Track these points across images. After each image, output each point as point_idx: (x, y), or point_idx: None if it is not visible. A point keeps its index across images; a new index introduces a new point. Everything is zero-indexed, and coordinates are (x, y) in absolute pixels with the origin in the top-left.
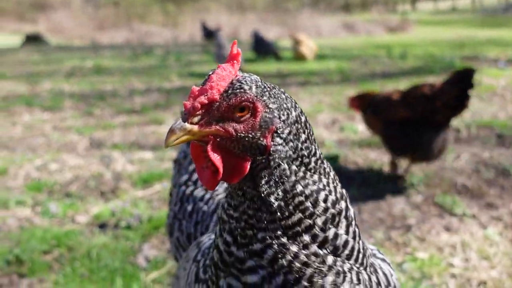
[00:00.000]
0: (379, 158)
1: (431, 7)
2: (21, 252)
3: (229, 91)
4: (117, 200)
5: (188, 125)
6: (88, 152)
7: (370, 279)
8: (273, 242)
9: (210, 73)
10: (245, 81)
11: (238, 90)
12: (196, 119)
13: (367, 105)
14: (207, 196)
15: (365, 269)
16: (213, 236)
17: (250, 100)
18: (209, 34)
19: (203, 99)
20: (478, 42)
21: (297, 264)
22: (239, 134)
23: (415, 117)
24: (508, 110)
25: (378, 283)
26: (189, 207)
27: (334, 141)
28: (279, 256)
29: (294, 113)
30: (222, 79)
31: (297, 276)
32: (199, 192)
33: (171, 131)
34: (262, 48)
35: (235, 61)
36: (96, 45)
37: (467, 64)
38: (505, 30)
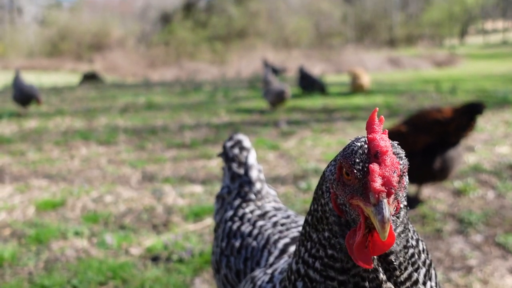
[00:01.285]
0: (433, 195)
1: (480, 40)
2: (78, 283)
3: (401, 162)
4: (169, 233)
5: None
6: (140, 185)
7: None
8: None
9: (365, 144)
10: (400, 147)
11: (405, 160)
12: (391, 200)
13: None
14: (256, 231)
15: None
16: (269, 271)
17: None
18: (275, 71)
19: (396, 177)
20: None
21: None
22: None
23: (434, 140)
24: None
25: None
26: (237, 243)
27: None
28: None
29: None
30: (392, 151)
31: None
32: (246, 227)
33: (387, 222)
34: (308, 83)
35: (384, 130)
36: (147, 82)
37: None
38: None
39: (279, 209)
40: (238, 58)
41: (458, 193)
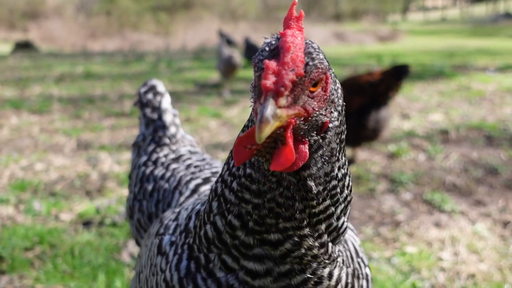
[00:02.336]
0: (368, 158)
1: (421, 17)
2: (1, 249)
3: (310, 64)
4: (103, 199)
5: (278, 110)
6: (74, 153)
7: (346, 254)
8: (295, 233)
9: (274, 41)
10: (318, 49)
11: (318, 62)
12: (284, 101)
13: None
14: (168, 174)
15: (340, 243)
16: (177, 210)
17: (325, 71)
18: (229, 42)
19: (291, 76)
20: (467, 51)
21: (308, 258)
22: (315, 113)
23: (367, 101)
24: (496, 113)
25: (351, 256)
26: (150, 187)
27: None
28: (295, 248)
29: (338, 83)
30: (299, 49)
31: (303, 267)
32: (159, 171)
33: (265, 121)
34: (253, 54)
35: (301, 26)
36: (87, 52)
37: (457, 72)
38: (493, 40)
39: (195, 153)
40: (183, 29)
41: (392, 156)
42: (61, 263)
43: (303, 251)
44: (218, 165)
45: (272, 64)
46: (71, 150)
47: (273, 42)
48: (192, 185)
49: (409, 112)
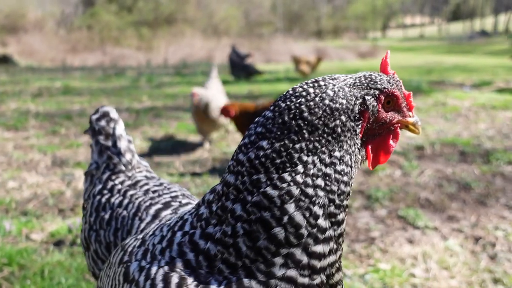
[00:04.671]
0: None
1: (400, 34)
2: None
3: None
4: (76, 217)
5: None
6: (49, 171)
7: None
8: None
9: (397, 79)
10: None
11: None
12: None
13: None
14: (126, 201)
15: None
16: (140, 236)
17: None
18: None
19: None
20: (445, 68)
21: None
22: None
23: None
24: (471, 129)
25: None
26: (106, 216)
27: None
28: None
29: None
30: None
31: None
32: (116, 198)
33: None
34: (239, 70)
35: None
36: (66, 67)
37: (433, 88)
38: (470, 57)
39: (152, 178)
40: (165, 44)
41: (369, 172)
42: (30, 284)
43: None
44: (177, 189)
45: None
46: (45, 167)
47: (396, 79)
48: (152, 210)
49: None
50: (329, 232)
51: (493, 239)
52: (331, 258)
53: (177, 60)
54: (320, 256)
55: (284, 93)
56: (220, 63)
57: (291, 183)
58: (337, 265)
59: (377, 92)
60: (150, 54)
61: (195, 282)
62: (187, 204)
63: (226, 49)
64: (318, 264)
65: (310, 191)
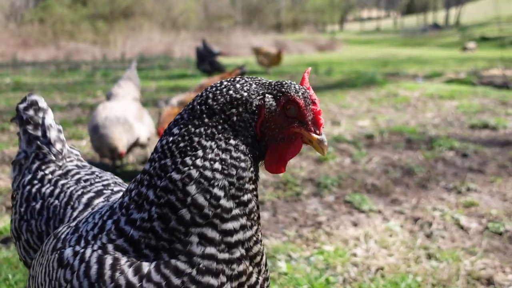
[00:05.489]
0: (297, 163)
1: (357, 27)
2: None
3: None
4: None
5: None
6: None
7: None
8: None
9: (309, 93)
10: None
11: None
12: None
13: None
14: (57, 190)
15: None
16: (73, 224)
17: None
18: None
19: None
20: (399, 60)
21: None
22: None
23: None
24: (418, 118)
25: None
26: (38, 205)
27: None
28: (256, 207)
29: None
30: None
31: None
32: (47, 188)
33: (326, 144)
34: (205, 64)
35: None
36: (17, 62)
37: (387, 80)
38: (423, 49)
39: (83, 167)
40: (123, 38)
41: (319, 161)
42: None
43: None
44: (108, 178)
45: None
46: None
47: (307, 92)
48: (84, 199)
49: (340, 118)
50: (236, 211)
51: (430, 219)
52: (248, 233)
53: (134, 54)
54: (232, 233)
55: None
56: (180, 56)
57: (191, 167)
58: (254, 238)
59: (279, 94)
60: (107, 49)
61: (128, 263)
62: (119, 191)
63: (186, 43)
64: (232, 239)
65: (208, 174)
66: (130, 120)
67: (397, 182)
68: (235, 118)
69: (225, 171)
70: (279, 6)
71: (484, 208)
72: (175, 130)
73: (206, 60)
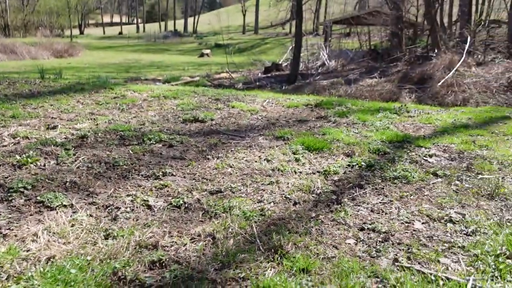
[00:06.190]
0: None
1: (100, 32)
2: None
3: None
4: None
5: None
6: None
7: None
8: None
9: None
10: None
11: None
12: None
13: None
14: None
15: None
16: None
17: None
18: None
19: None
20: (142, 65)
21: None
22: None
23: None
24: (140, 116)
25: None
26: None
27: None
28: None
29: None
30: None
31: None
32: None
33: None
34: None
35: None
36: None
37: (123, 84)
38: (165, 55)
39: None
40: None
41: (19, 166)
42: None
43: None
44: None
45: None
46: None
47: None
48: None
49: (58, 123)
50: None
51: (120, 204)
52: None
53: None
54: None
55: None
56: None
57: None
58: None
59: None
60: None
61: None
62: None
63: None
64: None
65: None
66: None
67: (99, 176)
68: None
69: None
70: (5, 6)
71: (174, 188)
72: None
73: None
